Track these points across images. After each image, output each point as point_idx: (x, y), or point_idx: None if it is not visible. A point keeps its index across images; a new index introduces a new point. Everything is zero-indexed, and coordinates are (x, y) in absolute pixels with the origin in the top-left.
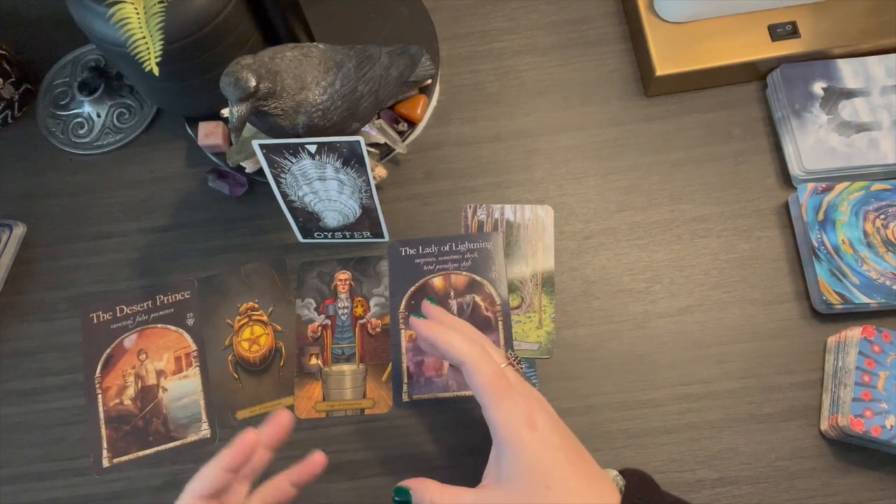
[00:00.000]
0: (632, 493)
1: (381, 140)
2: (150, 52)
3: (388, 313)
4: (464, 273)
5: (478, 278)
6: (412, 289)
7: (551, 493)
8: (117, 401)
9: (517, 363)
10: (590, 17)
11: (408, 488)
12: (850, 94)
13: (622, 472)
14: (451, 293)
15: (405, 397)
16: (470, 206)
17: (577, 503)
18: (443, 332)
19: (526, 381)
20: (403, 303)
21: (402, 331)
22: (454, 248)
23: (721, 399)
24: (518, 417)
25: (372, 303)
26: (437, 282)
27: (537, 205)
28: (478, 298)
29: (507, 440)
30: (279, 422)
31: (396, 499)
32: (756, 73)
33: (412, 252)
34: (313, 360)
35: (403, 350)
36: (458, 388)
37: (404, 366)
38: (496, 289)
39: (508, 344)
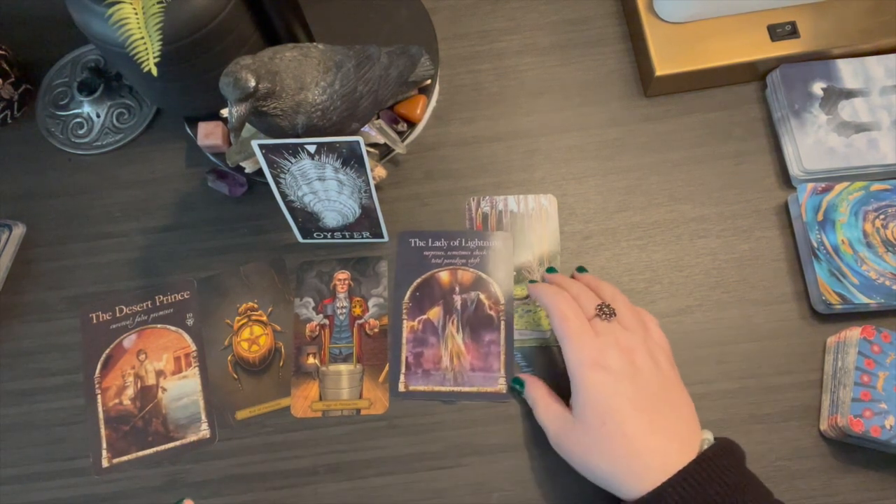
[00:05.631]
0: (709, 456)
1: (381, 140)
2: (148, 52)
3: (387, 314)
4: (471, 270)
5: (484, 276)
6: (418, 280)
7: (605, 429)
8: (117, 401)
9: (608, 315)
10: (590, 17)
11: (523, 381)
12: (849, 94)
13: (717, 439)
14: (457, 288)
15: (401, 387)
16: (473, 199)
17: (637, 447)
18: (543, 290)
19: (623, 328)
20: (408, 294)
21: (405, 321)
22: (463, 244)
23: (721, 399)
24: (584, 359)
25: (370, 303)
26: (444, 276)
27: (540, 194)
28: (482, 296)
29: (572, 375)
30: None
31: (514, 385)
32: (756, 73)
33: (422, 244)
34: (311, 360)
35: (404, 341)
36: (455, 383)
37: (403, 356)
38: (502, 288)
39: (509, 346)
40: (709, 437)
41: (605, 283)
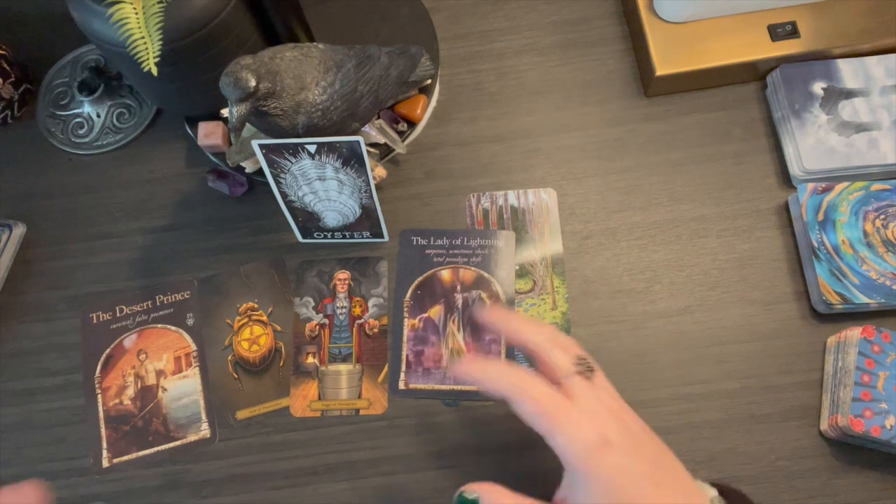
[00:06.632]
0: None
1: (381, 140)
2: (148, 52)
3: (386, 314)
4: (472, 268)
5: (486, 275)
6: (420, 279)
7: None
8: (117, 401)
9: (589, 370)
10: (590, 17)
11: (476, 496)
12: (849, 94)
13: (721, 492)
14: (458, 287)
15: (401, 385)
16: (473, 195)
17: None
18: (479, 370)
19: (602, 387)
20: (410, 292)
21: (406, 319)
22: (465, 243)
23: (721, 399)
24: (585, 440)
25: (370, 303)
26: (445, 274)
27: (540, 188)
28: (484, 295)
29: (575, 466)
30: (24, 492)
31: None
32: (756, 73)
33: (423, 242)
34: (310, 359)
35: (405, 339)
36: (455, 381)
37: (404, 354)
38: (503, 288)
39: (510, 345)
40: (713, 493)
41: (549, 326)
